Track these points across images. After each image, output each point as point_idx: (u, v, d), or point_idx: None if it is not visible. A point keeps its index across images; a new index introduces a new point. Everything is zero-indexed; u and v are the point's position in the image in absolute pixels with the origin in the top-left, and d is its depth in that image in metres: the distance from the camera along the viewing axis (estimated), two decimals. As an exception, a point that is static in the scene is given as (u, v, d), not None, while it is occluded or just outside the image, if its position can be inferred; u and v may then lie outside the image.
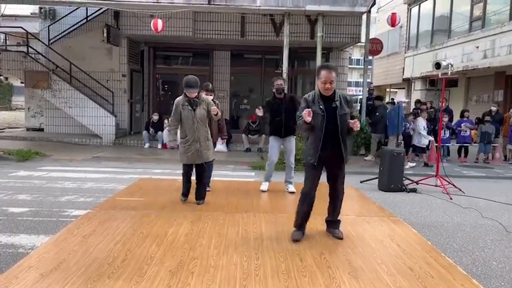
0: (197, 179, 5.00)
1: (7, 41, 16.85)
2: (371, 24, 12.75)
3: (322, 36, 11.02)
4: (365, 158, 10.92)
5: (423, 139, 10.20)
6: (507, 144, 11.54)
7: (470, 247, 4.64)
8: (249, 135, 12.18)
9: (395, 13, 13.30)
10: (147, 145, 12.13)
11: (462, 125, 11.32)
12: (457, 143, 11.58)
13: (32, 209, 5.54)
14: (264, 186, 5.80)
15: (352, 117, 3.74)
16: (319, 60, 10.82)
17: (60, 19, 13.98)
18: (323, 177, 3.87)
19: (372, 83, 22.28)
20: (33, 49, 13.38)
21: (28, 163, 9.31)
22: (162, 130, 12.12)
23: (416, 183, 7.76)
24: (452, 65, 7.22)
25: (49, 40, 13.71)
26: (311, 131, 3.74)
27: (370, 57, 15.51)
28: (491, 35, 14.08)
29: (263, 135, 11.72)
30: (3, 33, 17.12)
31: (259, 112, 5.37)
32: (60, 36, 13.70)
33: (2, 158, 9.72)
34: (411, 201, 6.79)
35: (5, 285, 2.70)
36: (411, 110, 12.43)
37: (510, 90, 14.88)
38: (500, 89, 15.11)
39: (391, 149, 7.98)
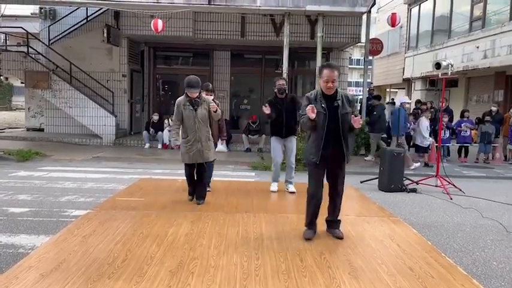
0: (197, 179, 5.02)
1: (7, 41, 16.85)
2: (371, 25, 12.75)
3: (322, 36, 11.03)
4: (365, 158, 10.91)
5: (426, 139, 10.20)
6: (507, 144, 11.53)
7: (470, 247, 4.64)
8: (249, 136, 12.18)
9: (395, 13, 13.28)
10: (147, 145, 12.13)
11: (462, 125, 11.31)
12: (457, 143, 11.56)
13: (32, 209, 5.54)
14: (273, 186, 5.80)
15: (354, 116, 3.74)
16: (319, 61, 10.81)
17: (60, 19, 13.98)
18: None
19: (372, 83, 22.28)
20: (34, 49, 13.38)
21: (28, 163, 9.31)
22: (162, 130, 12.13)
23: (417, 183, 7.76)
24: (452, 65, 7.21)
25: (49, 40, 13.72)
26: (314, 129, 3.74)
27: (370, 58, 15.51)
28: (492, 35, 14.07)
29: (263, 136, 11.72)
30: (3, 33, 17.11)
31: (267, 110, 5.29)
32: (60, 36, 13.71)
33: (2, 158, 9.73)
34: (411, 202, 6.79)
35: (5, 285, 2.70)
36: (411, 111, 12.42)
37: (510, 90, 14.87)
38: (501, 89, 15.10)
39: (391, 149, 7.97)
